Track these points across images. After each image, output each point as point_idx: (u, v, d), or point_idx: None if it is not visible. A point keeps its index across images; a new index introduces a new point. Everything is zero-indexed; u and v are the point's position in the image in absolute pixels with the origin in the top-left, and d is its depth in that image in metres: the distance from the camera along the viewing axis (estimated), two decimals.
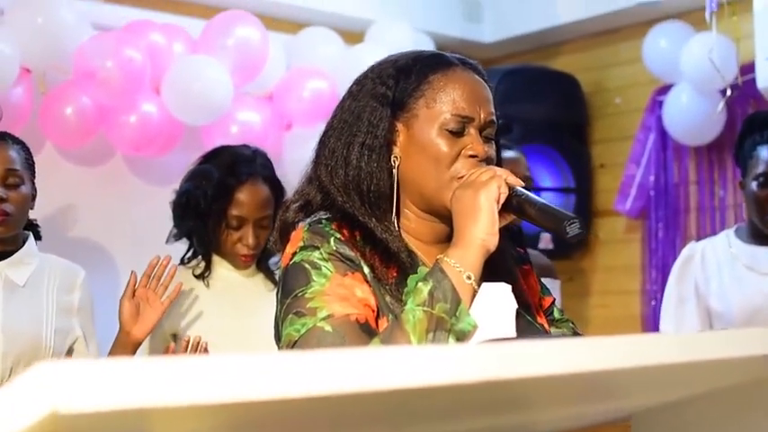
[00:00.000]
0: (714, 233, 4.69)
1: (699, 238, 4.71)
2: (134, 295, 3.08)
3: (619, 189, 5.31)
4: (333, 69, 4.65)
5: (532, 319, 2.01)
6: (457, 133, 1.91)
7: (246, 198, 3.31)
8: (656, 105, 5.15)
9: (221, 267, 3.39)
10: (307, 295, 1.80)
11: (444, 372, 1.07)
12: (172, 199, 3.47)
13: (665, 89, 5.07)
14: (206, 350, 3.09)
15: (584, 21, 5.38)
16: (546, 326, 2.06)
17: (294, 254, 1.88)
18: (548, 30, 5.56)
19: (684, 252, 3.65)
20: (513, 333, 1.71)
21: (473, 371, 1.10)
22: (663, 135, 5.15)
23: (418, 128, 1.93)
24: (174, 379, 0.81)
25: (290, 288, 1.85)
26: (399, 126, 1.95)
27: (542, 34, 5.63)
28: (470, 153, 1.91)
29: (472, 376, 1.08)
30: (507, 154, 3.50)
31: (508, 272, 2.02)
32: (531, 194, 1.85)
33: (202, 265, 3.39)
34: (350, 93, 2.04)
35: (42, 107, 4.01)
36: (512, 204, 1.84)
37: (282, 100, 4.56)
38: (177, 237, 3.44)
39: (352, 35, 5.06)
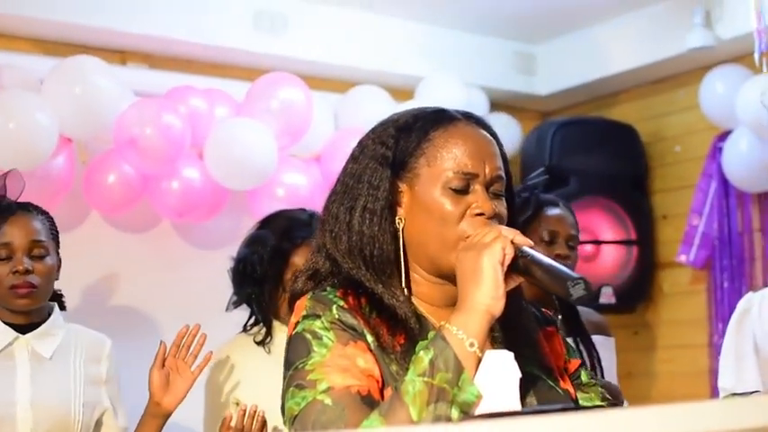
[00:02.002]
0: None
1: (766, 287, 4.55)
2: (164, 365, 3.04)
3: (682, 239, 5.17)
4: None
5: (555, 383, 1.91)
6: (461, 191, 1.83)
7: (302, 262, 3.27)
8: (717, 152, 5.01)
9: (282, 333, 3.35)
10: (307, 367, 1.74)
11: None
12: (229, 267, 3.48)
13: (726, 135, 4.94)
14: (263, 419, 3.06)
15: (639, 69, 5.28)
16: (571, 391, 1.96)
17: (297, 323, 1.82)
18: (602, 80, 5.47)
19: (741, 304, 3.49)
20: (517, 404, 1.60)
21: None
22: (724, 182, 5.00)
23: (421, 187, 1.85)
24: None
25: (291, 359, 1.79)
26: (403, 187, 1.88)
27: (597, 84, 5.54)
28: (477, 211, 1.82)
29: None
30: (552, 212, 3.39)
31: (526, 335, 1.92)
32: (539, 255, 1.74)
33: (263, 331, 3.35)
34: (352, 155, 1.97)
35: (85, 176, 4.02)
36: (518, 266, 1.74)
37: (330, 161, 4.52)
38: (237, 303, 3.44)
39: (402, 92, 5.02)
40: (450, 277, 1.84)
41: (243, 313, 3.50)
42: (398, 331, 1.81)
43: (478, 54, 5.46)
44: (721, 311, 5.03)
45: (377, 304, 1.83)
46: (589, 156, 5.30)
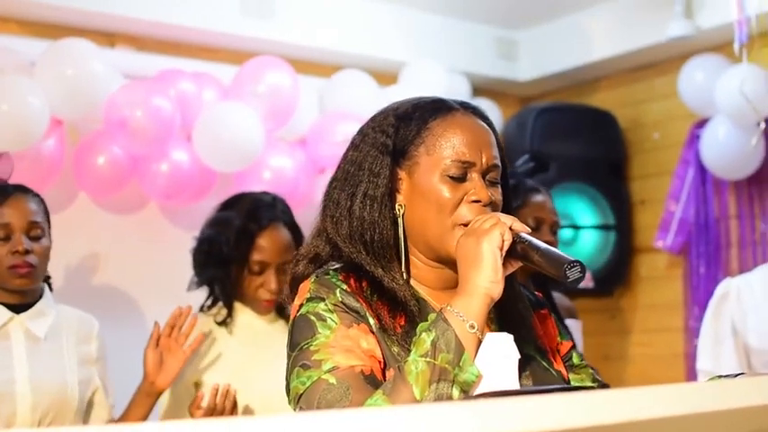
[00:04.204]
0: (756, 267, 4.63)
1: (741, 273, 4.64)
2: (158, 345, 3.11)
3: (659, 225, 5.24)
4: (367, 112, 4.62)
5: (548, 365, 1.98)
6: (459, 179, 1.90)
7: (268, 243, 3.34)
8: (695, 140, 5.08)
9: (243, 314, 3.41)
10: (312, 347, 1.80)
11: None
12: (192, 247, 3.49)
13: (704, 123, 5.01)
14: (234, 398, 3.11)
15: (619, 56, 5.34)
16: (563, 372, 2.03)
17: (301, 306, 1.88)
18: (583, 66, 5.53)
19: (719, 289, 3.59)
20: (516, 384, 1.68)
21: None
22: (702, 170, 5.08)
23: (420, 175, 1.92)
24: None
25: (296, 340, 1.85)
26: (402, 174, 1.95)
27: (578, 71, 5.60)
28: (473, 198, 1.90)
29: None
30: (536, 198, 3.45)
31: (521, 318, 1.99)
32: (535, 240, 1.82)
33: (224, 312, 3.40)
34: (352, 143, 2.04)
35: (74, 158, 4.04)
36: (516, 251, 1.81)
37: (315, 144, 4.56)
38: (198, 284, 3.46)
39: (386, 77, 5.06)
40: (447, 261, 1.92)
41: None
42: (399, 313, 1.88)
43: (461, 39, 5.51)
44: (697, 296, 5.12)
45: (377, 287, 1.90)
46: (569, 141, 5.36)
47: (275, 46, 4.75)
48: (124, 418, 3.14)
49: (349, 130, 4.43)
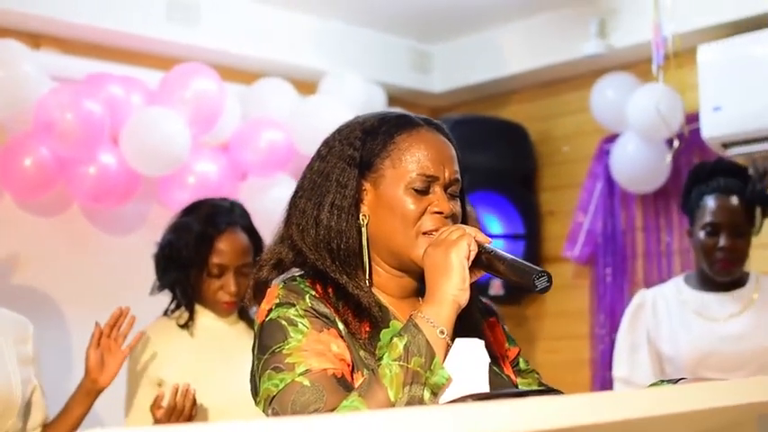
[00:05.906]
0: (661, 278, 4.81)
1: (646, 283, 4.83)
2: (99, 345, 3.14)
3: (567, 236, 5.41)
4: (287, 119, 4.72)
5: (500, 370, 2.08)
6: (422, 192, 2.00)
7: (226, 246, 3.41)
8: (604, 154, 5.26)
9: (204, 317, 3.47)
10: (284, 351, 1.86)
11: None
12: (154, 252, 3.55)
13: (612, 138, 5.18)
14: (194, 397, 3.17)
15: (533, 71, 5.50)
16: (512, 377, 2.14)
17: (270, 310, 1.94)
18: (496, 80, 5.67)
19: (635, 300, 3.75)
20: (487, 387, 1.77)
21: None
22: (610, 183, 5.26)
23: (385, 187, 2.01)
24: None
25: (267, 344, 1.91)
26: (367, 186, 2.03)
27: (491, 84, 5.74)
28: (435, 210, 2.00)
29: None
30: None
31: (475, 325, 2.09)
32: (500, 251, 1.93)
33: (186, 315, 3.46)
34: (318, 154, 2.11)
35: (0, 158, 4.02)
36: (481, 261, 1.91)
37: (238, 150, 4.61)
38: (160, 288, 3.51)
39: (306, 85, 5.14)
40: (409, 270, 2.02)
41: (152, 299, 3.56)
42: (363, 319, 1.96)
43: (378, 51, 5.60)
44: (603, 305, 5.29)
45: (343, 294, 1.98)
46: (481, 153, 5.47)
47: (199, 52, 4.78)
48: (62, 416, 3.15)
49: (271, 136, 4.57)
